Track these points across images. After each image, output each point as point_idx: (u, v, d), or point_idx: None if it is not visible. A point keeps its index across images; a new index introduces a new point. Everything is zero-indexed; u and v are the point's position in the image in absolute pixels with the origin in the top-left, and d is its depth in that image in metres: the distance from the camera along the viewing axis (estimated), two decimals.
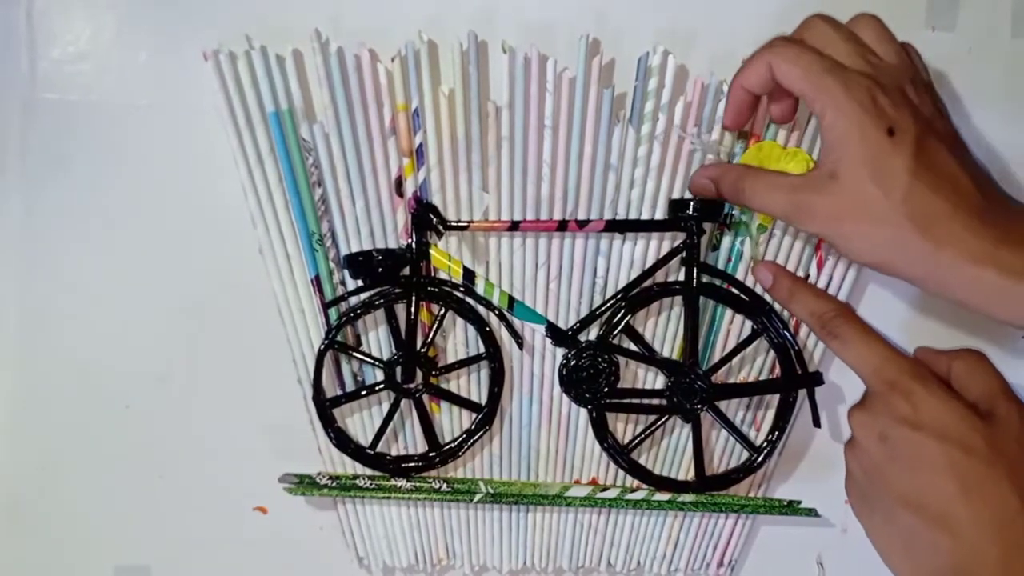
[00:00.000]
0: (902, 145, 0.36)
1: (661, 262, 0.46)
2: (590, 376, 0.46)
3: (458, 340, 0.48)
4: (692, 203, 0.44)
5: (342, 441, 0.48)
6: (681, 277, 0.46)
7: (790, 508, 0.50)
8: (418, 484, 0.49)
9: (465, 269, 0.46)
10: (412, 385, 0.48)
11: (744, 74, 0.40)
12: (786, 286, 0.44)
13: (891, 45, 0.40)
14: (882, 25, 0.40)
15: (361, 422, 0.50)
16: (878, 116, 0.36)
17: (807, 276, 0.47)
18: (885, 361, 0.39)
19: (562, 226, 0.45)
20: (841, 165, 0.37)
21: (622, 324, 0.46)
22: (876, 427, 0.39)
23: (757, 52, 0.39)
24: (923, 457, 0.37)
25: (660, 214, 0.46)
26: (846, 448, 0.42)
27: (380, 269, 0.45)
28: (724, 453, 0.50)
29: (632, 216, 0.46)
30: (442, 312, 0.47)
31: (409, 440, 0.50)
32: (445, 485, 0.49)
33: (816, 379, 0.47)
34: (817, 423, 0.47)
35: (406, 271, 0.46)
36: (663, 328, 0.48)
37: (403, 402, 0.48)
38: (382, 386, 0.48)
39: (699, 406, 0.47)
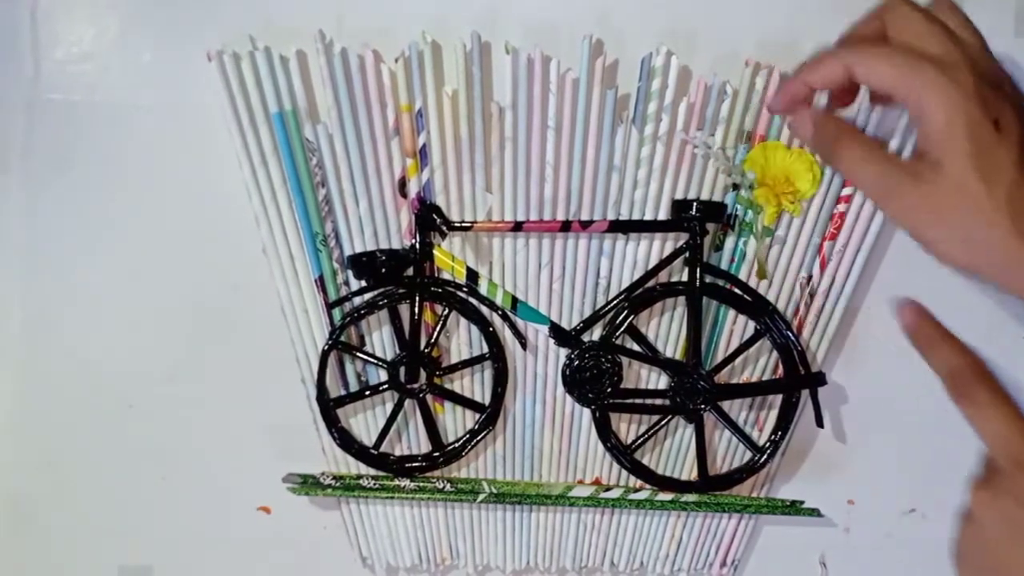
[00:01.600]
0: (1009, 138, 0.34)
1: (664, 262, 0.46)
2: (593, 376, 0.46)
3: (461, 340, 0.48)
4: (695, 204, 0.45)
5: (346, 441, 0.48)
6: (684, 277, 0.46)
7: (793, 508, 0.50)
8: (422, 484, 0.49)
9: (468, 269, 0.46)
10: (416, 385, 0.48)
11: (812, 73, 0.37)
12: (928, 333, 0.40)
13: (976, 36, 0.37)
14: (962, 13, 0.37)
15: (365, 422, 0.50)
16: (984, 107, 0.34)
17: (810, 277, 0.47)
18: (1018, 436, 0.36)
19: (565, 227, 0.45)
20: (946, 155, 0.34)
21: (625, 324, 0.46)
22: (999, 508, 0.36)
23: (830, 52, 0.37)
24: None
25: (663, 215, 0.46)
26: (962, 520, 0.39)
27: (384, 269, 0.45)
28: (727, 453, 0.50)
29: (635, 217, 0.46)
30: (445, 312, 0.47)
31: (412, 440, 0.50)
32: (448, 485, 0.49)
33: (819, 379, 0.47)
34: (820, 423, 0.47)
35: (410, 271, 0.46)
36: (666, 328, 0.48)
37: (407, 402, 0.48)
38: (386, 386, 0.48)
39: (702, 406, 0.47)
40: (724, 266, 0.47)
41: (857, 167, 0.37)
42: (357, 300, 0.47)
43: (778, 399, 0.48)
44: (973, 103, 0.34)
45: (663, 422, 0.48)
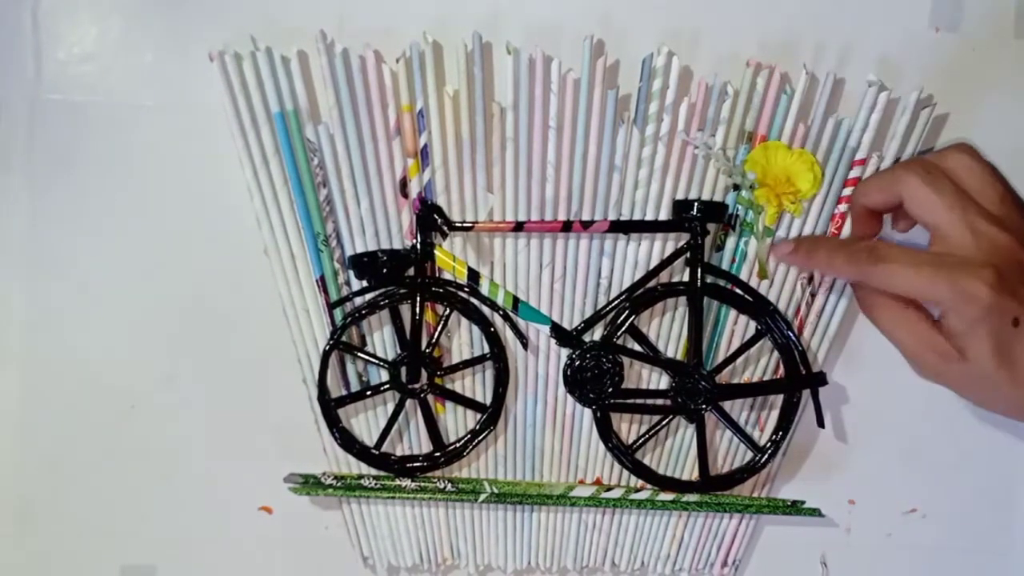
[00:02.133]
0: None
1: (665, 263, 0.46)
2: (594, 376, 0.46)
3: (463, 340, 0.48)
4: (696, 204, 0.45)
5: (347, 441, 0.48)
6: (685, 278, 0.46)
7: (794, 508, 0.50)
8: (423, 484, 0.49)
9: (470, 270, 0.46)
10: (417, 385, 0.48)
11: (833, 268, 0.43)
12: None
13: (994, 186, 0.40)
14: (978, 164, 0.41)
15: (366, 422, 0.50)
16: (1002, 311, 0.38)
17: (811, 277, 0.47)
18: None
19: (566, 227, 0.45)
20: (970, 351, 0.39)
21: (626, 325, 0.46)
22: None
23: (850, 252, 0.41)
24: None
25: (664, 215, 0.46)
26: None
27: (385, 270, 0.45)
28: (728, 453, 0.50)
29: (636, 217, 0.46)
30: (447, 312, 0.47)
31: (414, 440, 0.50)
32: (450, 485, 0.49)
33: (820, 379, 0.47)
34: (821, 423, 0.47)
35: (411, 272, 0.46)
36: (667, 328, 0.48)
37: (408, 402, 0.48)
38: (387, 386, 0.48)
39: (703, 406, 0.47)
40: (725, 266, 0.47)
41: (894, 330, 0.42)
42: (358, 300, 0.47)
43: (779, 399, 0.48)
44: (992, 313, 0.38)
45: (664, 422, 0.48)
